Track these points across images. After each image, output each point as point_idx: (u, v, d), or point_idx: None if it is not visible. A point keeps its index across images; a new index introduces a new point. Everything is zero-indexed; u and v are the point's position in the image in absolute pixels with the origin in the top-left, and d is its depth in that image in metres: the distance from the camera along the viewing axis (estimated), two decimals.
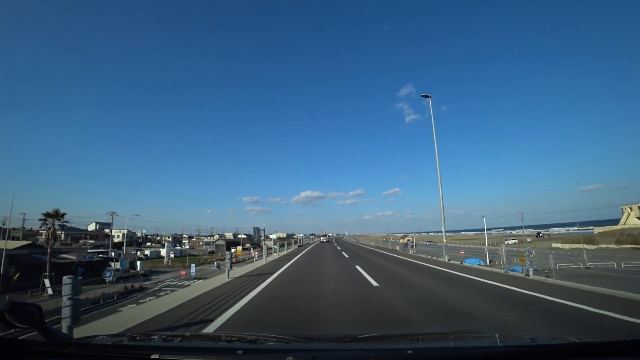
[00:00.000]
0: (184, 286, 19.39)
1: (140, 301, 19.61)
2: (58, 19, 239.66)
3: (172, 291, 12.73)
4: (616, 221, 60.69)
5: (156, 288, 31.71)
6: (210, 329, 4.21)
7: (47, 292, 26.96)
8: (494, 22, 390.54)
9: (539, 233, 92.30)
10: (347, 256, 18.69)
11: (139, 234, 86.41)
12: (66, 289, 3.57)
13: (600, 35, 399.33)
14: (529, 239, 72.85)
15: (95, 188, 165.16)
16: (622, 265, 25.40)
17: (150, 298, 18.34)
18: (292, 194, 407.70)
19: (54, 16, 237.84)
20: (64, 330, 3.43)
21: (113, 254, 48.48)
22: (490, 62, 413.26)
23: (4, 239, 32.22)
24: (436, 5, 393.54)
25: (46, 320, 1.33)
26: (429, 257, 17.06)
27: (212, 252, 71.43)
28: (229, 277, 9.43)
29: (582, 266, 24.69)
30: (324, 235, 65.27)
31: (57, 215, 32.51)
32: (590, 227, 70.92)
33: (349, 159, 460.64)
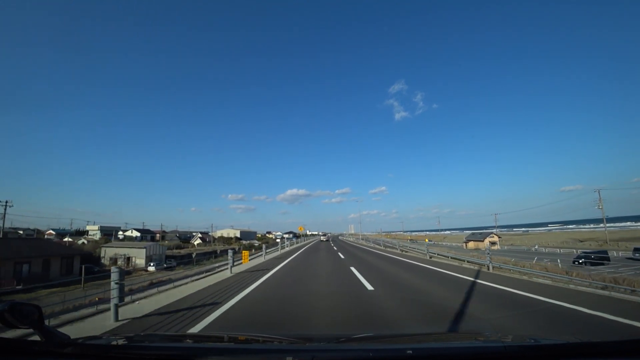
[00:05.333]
0: None
1: None
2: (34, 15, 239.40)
3: None
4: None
5: None
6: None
7: None
8: (485, 24, 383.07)
9: None
10: None
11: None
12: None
13: (586, 36, 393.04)
14: None
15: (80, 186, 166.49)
16: None
17: None
18: (278, 191, 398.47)
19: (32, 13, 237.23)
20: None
21: None
22: (480, 62, 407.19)
23: None
24: (430, 5, 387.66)
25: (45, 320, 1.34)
26: None
27: None
28: None
29: None
30: (324, 235, 64.82)
31: None
32: None
33: (337, 156, 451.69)
